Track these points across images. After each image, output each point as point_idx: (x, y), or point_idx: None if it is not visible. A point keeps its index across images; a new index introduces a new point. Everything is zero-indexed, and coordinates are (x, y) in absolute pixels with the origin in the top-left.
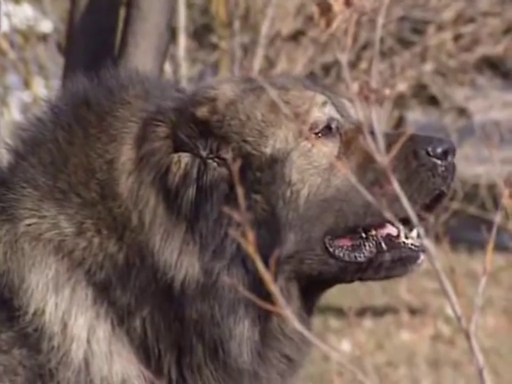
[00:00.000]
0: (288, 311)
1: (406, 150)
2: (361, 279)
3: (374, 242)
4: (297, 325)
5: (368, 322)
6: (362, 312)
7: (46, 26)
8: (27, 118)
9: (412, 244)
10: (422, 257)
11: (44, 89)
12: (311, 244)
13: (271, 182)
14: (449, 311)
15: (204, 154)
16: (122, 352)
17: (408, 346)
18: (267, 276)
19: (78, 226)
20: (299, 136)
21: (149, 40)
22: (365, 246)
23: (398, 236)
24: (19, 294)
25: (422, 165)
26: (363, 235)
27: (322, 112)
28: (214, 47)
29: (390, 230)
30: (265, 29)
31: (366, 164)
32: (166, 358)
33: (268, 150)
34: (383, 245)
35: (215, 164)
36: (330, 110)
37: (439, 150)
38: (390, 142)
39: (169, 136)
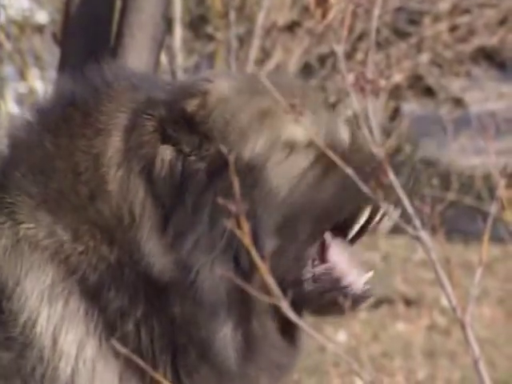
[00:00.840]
0: (284, 303)
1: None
2: (306, 308)
3: (326, 278)
4: (293, 317)
5: (363, 313)
6: None
7: (41, 16)
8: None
9: (358, 289)
10: (366, 303)
11: (40, 80)
12: (288, 250)
13: (249, 185)
14: (444, 302)
15: (187, 149)
16: (105, 371)
17: (404, 337)
18: (263, 266)
19: (73, 234)
20: (277, 145)
21: (145, 31)
22: (316, 279)
23: (344, 279)
24: (12, 297)
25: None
26: (317, 269)
27: (305, 131)
28: (210, 38)
29: (340, 272)
30: (261, 19)
31: (332, 171)
32: (162, 359)
33: (247, 154)
34: (328, 283)
35: (195, 158)
36: (314, 130)
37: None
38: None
39: (157, 129)
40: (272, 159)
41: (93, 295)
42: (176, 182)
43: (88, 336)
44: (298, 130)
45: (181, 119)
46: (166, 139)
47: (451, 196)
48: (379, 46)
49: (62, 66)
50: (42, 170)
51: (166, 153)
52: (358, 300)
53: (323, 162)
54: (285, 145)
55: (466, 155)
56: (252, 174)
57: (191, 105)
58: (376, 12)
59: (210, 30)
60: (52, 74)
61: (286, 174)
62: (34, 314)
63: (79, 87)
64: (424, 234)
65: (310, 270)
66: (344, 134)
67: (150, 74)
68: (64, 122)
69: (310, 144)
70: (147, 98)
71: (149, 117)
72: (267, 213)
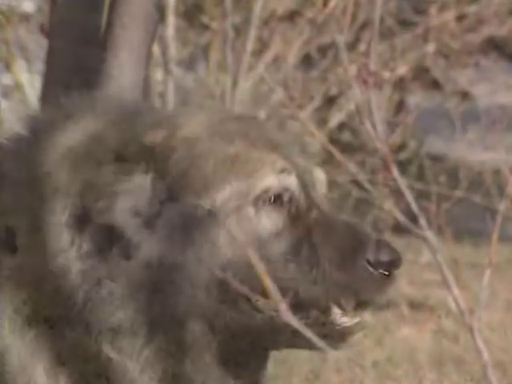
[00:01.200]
0: (283, 305)
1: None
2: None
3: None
4: (294, 322)
5: (367, 317)
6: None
7: (28, 5)
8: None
9: (341, 323)
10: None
11: (26, 72)
12: (226, 304)
13: (197, 234)
14: (452, 305)
15: (137, 171)
16: None
17: (409, 342)
18: (261, 269)
19: (30, 251)
20: (244, 199)
21: (136, 21)
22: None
23: (329, 313)
24: None
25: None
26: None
27: (277, 179)
28: (205, 28)
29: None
30: (258, 8)
31: (304, 240)
32: None
33: (207, 203)
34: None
35: (140, 183)
36: (286, 179)
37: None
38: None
39: (113, 148)
40: (237, 214)
41: (54, 320)
42: (114, 196)
43: (56, 365)
44: (270, 180)
45: (138, 146)
46: (119, 157)
47: (459, 193)
48: (383, 36)
49: (50, 58)
50: (17, 183)
51: (114, 166)
52: (342, 334)
53: (295, 230)
54: (256, 199)
55: (474, 151)
56: (203, 223)
57: (155, 136)
58: (379, 0)
59: (205, 19)
60: (39, 66)
61: (247, 234)
62: (4, 347)
63: (78, 102)
64: (430, 234)
65: None
66: (320, 176)
67: (141, 103)
68: (52, 128)
69: (283, 195)
70: (121, 120)
71: (110, 135)
72: (207, 267)
